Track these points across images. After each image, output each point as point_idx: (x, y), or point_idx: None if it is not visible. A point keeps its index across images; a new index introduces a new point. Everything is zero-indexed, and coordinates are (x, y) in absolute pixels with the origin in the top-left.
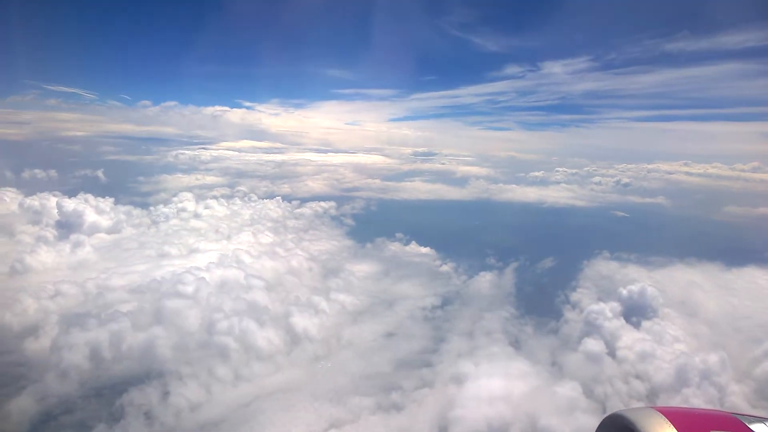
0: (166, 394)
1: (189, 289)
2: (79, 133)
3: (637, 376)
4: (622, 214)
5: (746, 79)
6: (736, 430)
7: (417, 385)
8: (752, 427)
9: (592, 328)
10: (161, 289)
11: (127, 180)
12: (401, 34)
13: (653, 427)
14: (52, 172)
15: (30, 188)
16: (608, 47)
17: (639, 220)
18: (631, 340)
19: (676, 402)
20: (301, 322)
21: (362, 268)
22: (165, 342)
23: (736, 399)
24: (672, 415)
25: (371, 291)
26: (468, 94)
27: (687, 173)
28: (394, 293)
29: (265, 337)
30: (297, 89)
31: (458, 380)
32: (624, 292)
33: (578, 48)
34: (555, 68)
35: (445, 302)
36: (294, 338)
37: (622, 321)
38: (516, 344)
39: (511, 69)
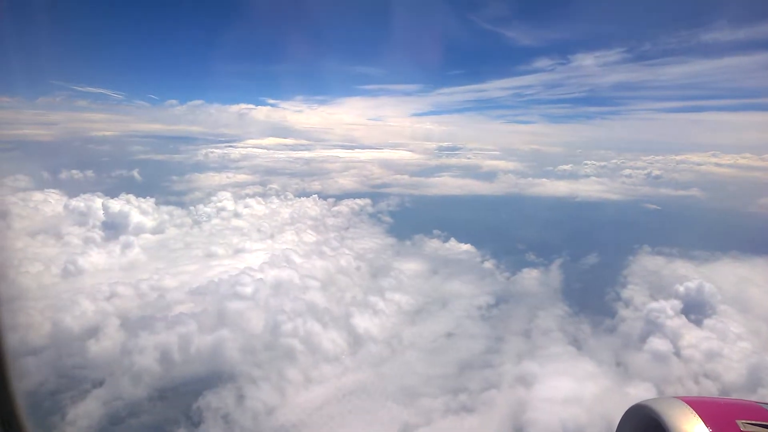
0: (241, 397)
1: (248, 290)
2: (107, 133)
3: (707, 376)
4: (655, 207)
5: None
6: (761, 418)
7: (483, 386)
8: None
9: (653, 327)
10: (219, 290)
11: (161, 179)
12: (428, 29)
13: (678, 417)
14: (89, 173)
15: (71, 189)
16: (643, 38)
17: (674, 213)
18: (694, 338)
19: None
20: (362, 322)
21: (410, 267)
22: (232, 344)
23: None
24: (697, 404)
25: (423, 290)
26: (495, 87)
27: (716, 164)
28: (446, 292)
29: (330, 339)
30: (320, 85)
31: (525, 381)
32: (681, 288)
33: (612, 39)
34: (586, 60)
35: (499, 300)
36: (357, 339)
37: (684, 319)
38: (576, 343)
39: (541, 62)
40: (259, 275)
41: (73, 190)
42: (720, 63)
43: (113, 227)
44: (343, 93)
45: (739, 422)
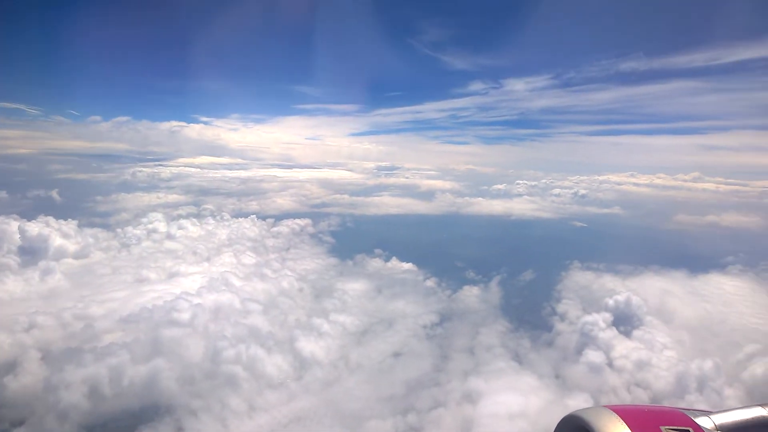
0: (179, 430)
1: (185, 316)
2: (23, 151)
3: (638, 385)
4: (582, 224)
5: (689, 95)
6: (682, 423)
7: (431, 405)
8: (697, 420)
9: (587, 339)
10: (154, 317)
11: (83, 200)
12: (367, 51)
13: (606, 425)
14: (2, 193)
15: None
16: (569, 66)
17: (600, 231)
18: (625, 349)
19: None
20: (308, 346)
21: (354, 287)
22: (169, 374)
23: (732, 403)
24: (624, 412)
25: (368, 310)
26: (431, 109)
27: (635, 184)
28: (391, 311)
29: (274, 364)
30: (257, 104)
31: (471, 398)
32: (611, 302)
33: (541, 66)
34: (517, 85)
35: (443, 319)
36: (302, 363)
37: (615, 331)
38: (517, 358)
39: (476, 86)
40: (196, 300)
41: None
42: (637, 90)
43: (31, 252)
44: (280, 112)
45: (663, 428)
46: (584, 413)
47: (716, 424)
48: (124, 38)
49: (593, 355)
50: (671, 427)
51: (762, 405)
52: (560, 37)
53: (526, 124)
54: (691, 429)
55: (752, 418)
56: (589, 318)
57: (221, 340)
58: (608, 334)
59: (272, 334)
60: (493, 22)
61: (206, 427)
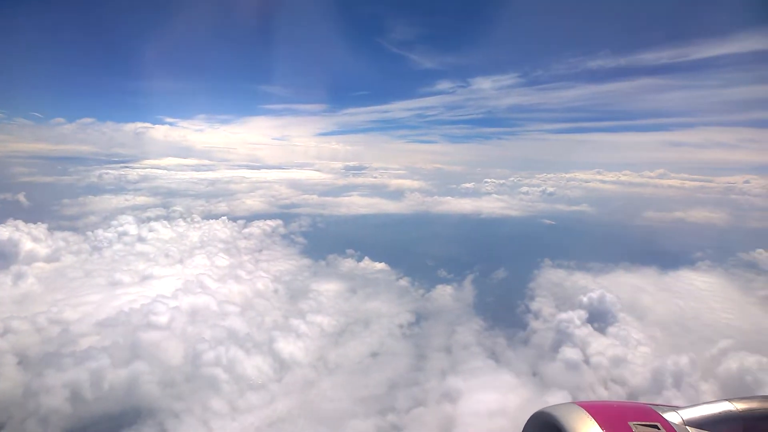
0: None
1: (162, 319)
2: None
3: (615, 381)
4: (551, 222)
5: (654, 92)
6: (651, 419)
7: (411, 404)
8: (665, 416)
9: (563, 337)
10: (131, 320)
11: (50, 203)
12: (334, 51)
13: (575, 421)
14: None
15: None
16: (536, 64)
17: (569, 228)
18: (601, 346)
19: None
20: (286, 347)
21: (328, 287)
22: (149, 377)
23: (709, 398)
24: (593, 408)
25: (344, 310)
26: (398, 108)
27: (601, 181)
28: (367, 311)
29: (254, 365)
30: (223, 104)
31: (451, 397)
32: (584, 299)
33: (508, 65)
34: (484, 84)
35: (419, 318)
36: (282, 364)
37: (590, 328)
38: (494, 356)
39: (443, 85)
40: (173, 303)
41: None
42: (602, 88)
43: (1, 256)
44: (246, 112)
45: (631, 424)
46: (553, 410)
47: (684, 419)
48: (88, 38)
49: (570, 353)
50: (640, 423)
51: (729, 399)
52: (528, 36)
53: (493, 123)
54: (659, 424)
55: (719, 413)
56: (564, 315)
57: (200, 342)
58: (583, 332)
59: (250, 335)
60: (461, 21)
61: (189, 429)
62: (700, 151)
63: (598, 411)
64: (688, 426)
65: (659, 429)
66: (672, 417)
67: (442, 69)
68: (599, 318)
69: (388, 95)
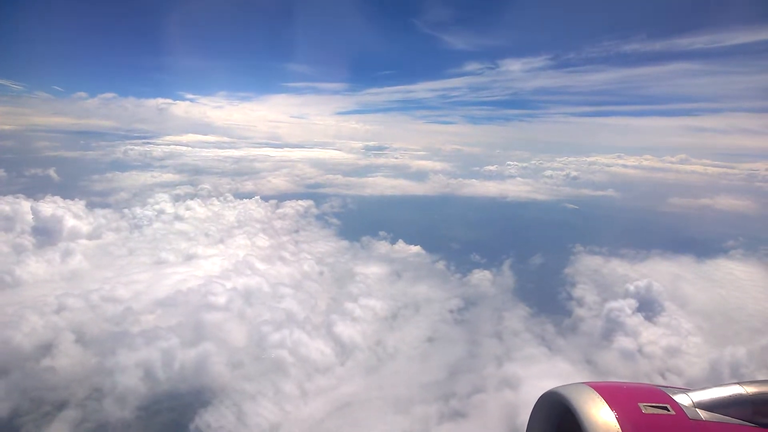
0: (242, 414)
1: (221, 300)
2: (6, 127)
3: (671, 371)
4: (576, 207)
5: (685, 77)
6: (661, 400)
7: (470, 390)
8: (675, 398)
9: (614, 325)
10: (189, 300)
11: (79, 178)
12: (363, 30)
13: (585, 401)
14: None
15: None
16: (569, 47)
17: (597, 214)
18: (653, 335)
19: None
20: (346, 330)
21: (372, 270)
22: (218, 358)
23: None
24: (603, 389)
25: (392, 294)
26: (423, 89)
27: (623, 165)
28: (415, 296)
29: (318, 349)
30: (245, 82)
31: (510, 384)
32: (631, 287)
33: (541, 47)
34: (514, 66)
35: (467, 303)
36: (343, 348)
37: (640, 317)
38: (545, 344)
39: (471, 66)
40: (228, 284)
41: None
42: (633, 72)
43: (45, 233)
44: (267, 90)
45: (641, 405)
46: (563, 390)
47: (694, 401)
48: (110, 14)
49: (624, 342)
50: (649, 404)
51: (739, 383)
52: (565, 18)
53: (516, 105)
54: (668, 406)
55: (729, 396)
56: (614, 304)
57: (264, 324)
58: (634, 321)
59: (309, 318)
60: (498, 2)
61: (265, 411)
62: (723, 137)
63: (608, 391)
64: (698, 408)
65: (669, 410)
66: (682, 399)
67: (473, 50)
68: (647, 307)
69: (414, 75)
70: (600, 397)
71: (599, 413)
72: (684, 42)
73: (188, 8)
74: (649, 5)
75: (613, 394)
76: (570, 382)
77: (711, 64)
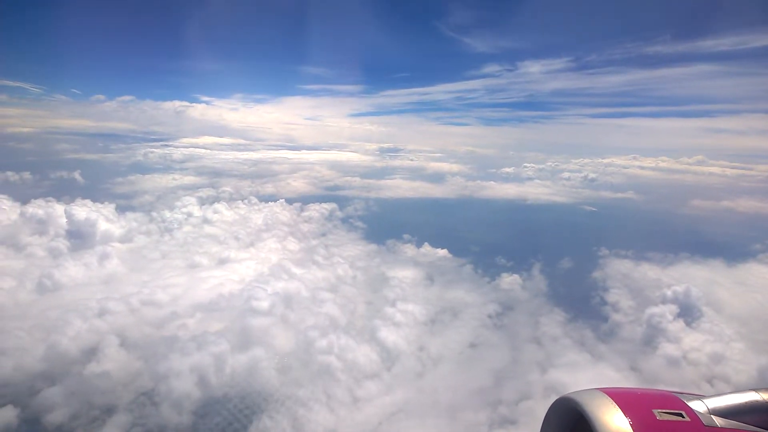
0: (296, 420)
1: (264, 304)
2: (25, 130)
3: (716, 378)
4: (596, 210)
5: (707, 79)
6: (675, 407)
7: (517, 397)
8: (690, 404)
9: (656, 331)
10: (232, 305)
11: (102, 181)
12: (381, 32)
13: (599, 408)
14: (26, 174)
15: (12, 192)
16: (590, 48)
17: (619, 216)
18: (695, 341)
19: None
20: (389, 336)
21: (405, 274)
22: (267, 364)
23: None
24: (617, 395)
25: (428, 299)
26: (439, 91)
27: (640, 167)
28: (451, 300)
29: (364, 354)
30: (261, 84)
31: (557, 391)
32: (669, 293)
33: (561, 49)
34: (533, 67)
35: (504, 308)
36: (389, 354)
37: (681, 323)
38: (586, 349)
39: (490, 68)
40: (269, 288)
41: (13, 193)
42: (655, 73)
43: (78, 236)
44: (282, 92)
45: (655, 411)
46: (577, 396)
47: (709, 408)
48: (127, 17)
49: (668, 348)
50: (664, 410)
51: (755, 390)
52: (587, 20)
53: (532, 106)
54: (683, 412)
55: (745, 403)
56: (655, 310)
57: (310, 330)
58: (676, 326)
59: (352, 324)
60: (520, 5)
61: (319, 417)
62: (741, 138)
63: (622, 398)
64: (714, 415)
65: (684, 417)
66: (697, 406)
67: (492, 52)
68: (687, 312)
69: (431, 77)
70: (614, 403)
71: (613, 420)
72: (708, 44)
73: (204, 12)
74: (671, 6)
75: (627, 401)
76: (583, 389)
77: (734, 66)
